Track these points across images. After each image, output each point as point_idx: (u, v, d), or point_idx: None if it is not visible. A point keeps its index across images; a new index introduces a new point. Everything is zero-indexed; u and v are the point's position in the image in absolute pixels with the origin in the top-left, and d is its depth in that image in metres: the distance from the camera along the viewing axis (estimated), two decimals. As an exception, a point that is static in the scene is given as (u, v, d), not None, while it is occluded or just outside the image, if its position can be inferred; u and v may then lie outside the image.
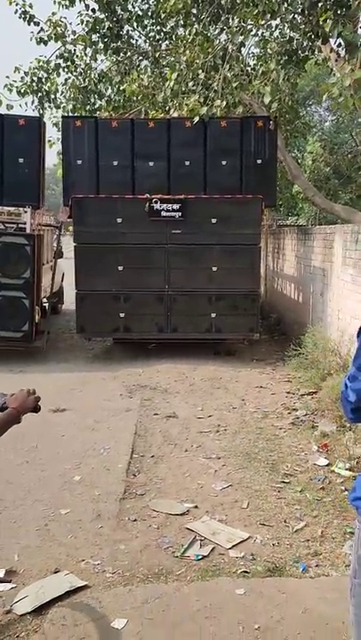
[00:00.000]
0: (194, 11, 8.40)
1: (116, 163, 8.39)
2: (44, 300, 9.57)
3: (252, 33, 8.54)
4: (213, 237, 8.21)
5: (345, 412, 1.82)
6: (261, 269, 9.76)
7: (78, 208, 8.24)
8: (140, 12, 10.33)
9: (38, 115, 10.40)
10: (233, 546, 3.45)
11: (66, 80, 10.83)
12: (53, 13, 10.11)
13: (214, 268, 8.26)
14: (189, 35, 8.40)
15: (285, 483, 4.28)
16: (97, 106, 10.84)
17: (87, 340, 8.96)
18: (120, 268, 8.26)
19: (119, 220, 8.19)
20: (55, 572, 3.17)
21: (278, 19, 7.44)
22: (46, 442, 5.14)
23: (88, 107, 10.67)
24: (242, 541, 3.49)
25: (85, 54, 10.60)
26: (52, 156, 11.51)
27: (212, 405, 6.26)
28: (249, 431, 5.40)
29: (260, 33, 8.83)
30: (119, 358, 8.49)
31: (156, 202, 8.11)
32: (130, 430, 5.43)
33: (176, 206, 8.13)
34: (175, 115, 8.55)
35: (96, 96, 10.84)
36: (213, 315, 8.33)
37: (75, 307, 8.58)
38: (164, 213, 8.13)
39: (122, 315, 8.32)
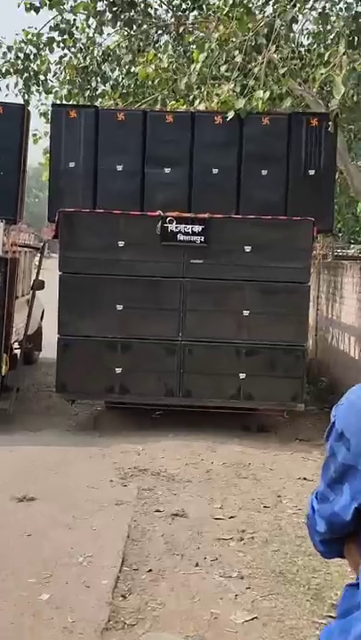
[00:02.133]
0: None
1: (120, 167, 8.51)
2: (15, 345, 9.64)
3: (309, 5, 8.82)
4: (246, 271, 8.25)
5: (313, 543, 1.77)
6: (310, 316, 9.80)
7: (68, 226, 8.32)
8: (161, -27, 10.79)
9: (22, 101, 10.69)
10: None
11: (61, 58, 11.14)
12: (49, -27, 10.37)
13: (246, 313, 8.28)
14: (225, 5, 8.60)
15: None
16: (99, 92, 11.09)
17: (70, 402, 8.94)
18: (119, 307, 8.31)
19: (121, 244, 8.27)
20: None
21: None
22: (5, 543, 5.04)
23: (88, 93, 10.91)
24: None
25: (88, 26, 10.91)
26: (37, 154, 11.91)
27: (236, 502, 6.16)
28: (285, 541, 5.29)
29: (318, 5, 9.05)
30: (112, 429, 8.43)
31: (171, 221, 8.20)
32: (121, 532, 5.35)
33: (198, 228, 8.20)
34: (202, 107, 8.70)
35: (99, 79, 11.06)
36: (243, 375, 8.30)
37: (55, 356, 8.58)
38: (181, 237, 8.21)
39: (118, 370, 8.32)
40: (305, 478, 6.89)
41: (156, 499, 6.18)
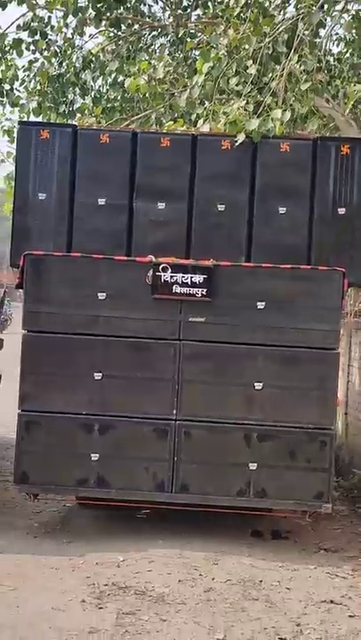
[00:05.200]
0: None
1: (102, 201, 8.68)
2: None
3: (340, 7, 9.13)
4: (259, 334, 8.38)
5: None
6: (340, 391, 9.87)
7: (34, 273, 8.44)
8: (156, -35, 11.10)
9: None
10: None
11: (30, 64, 11.36)
12: None
13: (258, 386, 8.36)
14: (236, 4, 8.85)
15: None
16: (77, 106, 11.21)
17: (32, 497, 8.85)
18: (97, 375, 8.37)
19: (101, 297, 8.39)
20: None
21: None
22: None
23: (63, 107, 11.06)
24: None
25: (65, 25, 11.14)
26: (-1, 179, 12.40)
27: (244, 632, 6.04)
28: None
29: (351, 7, 9.38)
30: (85, 533, 8.38)
31: (165, 269, 8.34)
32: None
33: (199, 278, 8.33)
34: (206, 129, 8.85)
35: (77, 90, 11.26)
36: (253, 466, 8.31)
37: (15, 438, 8.59)
38: (177, 289, 8.34)
39: (94, 457, 8.32)
40: (332, 601, 6.80)
41: (141, 626, 6.06)
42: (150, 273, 8.34)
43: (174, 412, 8.38)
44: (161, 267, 8.34)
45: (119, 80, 10.76)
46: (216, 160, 8.66)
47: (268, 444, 8.35)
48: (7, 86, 11.04)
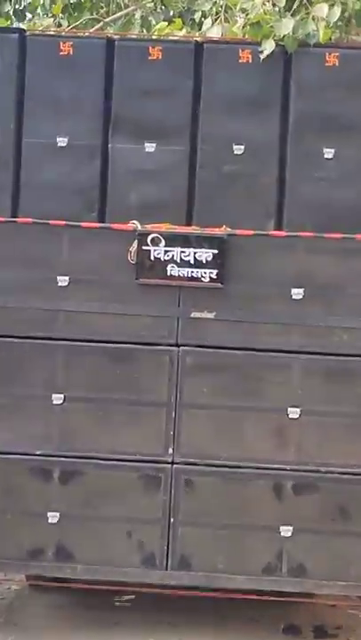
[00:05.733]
0: None
1: (63, 141, 7.29)
2: None
3: None
4: (295, 335, 6.99)
5: None
6: None
7: None
8: None
9: None
10: None
11: None
12: None
13: (294, 413, 6.94)
14: None
15: None
16: (28, 2, 10.59)
17: None
18: (57, 398, 7.01)
19: (63, 282, 7.03)
20: None
21: None
22: None
23: (7, 6, 10.53)
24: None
25: None
26: None
27: None
28: None
29: None
30: (39, 627, 7.47)
31: (156, 241, 6.95)
32: None
33: (206, 255, 6.93)
34: (215, 33, 7.75)
35: None
36: (286, 530, 6.88)
37: None
38: (174, 270, 6.94)
39: (53, 517, 6.96)
40: None
41: None
42: (134, 247, 6.96)
43: (170, 450, 7.00)
44: (150, 238, 6.97)
45: None
46: (231, 79, 7.25)
47: (309, 499, 6.97)
48: None
